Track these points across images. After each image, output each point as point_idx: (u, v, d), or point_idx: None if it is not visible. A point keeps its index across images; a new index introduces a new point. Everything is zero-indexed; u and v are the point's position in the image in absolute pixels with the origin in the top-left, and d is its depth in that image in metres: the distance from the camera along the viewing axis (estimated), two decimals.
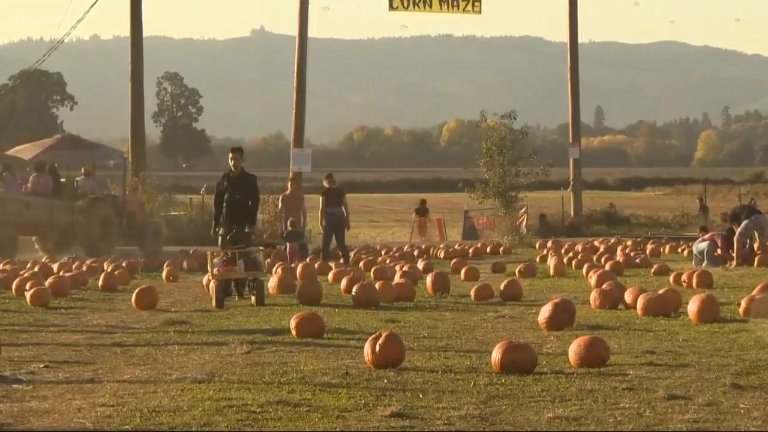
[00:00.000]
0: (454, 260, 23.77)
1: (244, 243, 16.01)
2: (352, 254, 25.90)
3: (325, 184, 25.45)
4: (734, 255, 23.29)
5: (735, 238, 23.42)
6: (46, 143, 32.52)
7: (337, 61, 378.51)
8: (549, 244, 31.32)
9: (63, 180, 30.72)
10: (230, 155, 16.30)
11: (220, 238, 16.17)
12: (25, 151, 31.68)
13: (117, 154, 36.45)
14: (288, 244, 25.94)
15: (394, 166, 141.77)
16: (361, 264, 23.00)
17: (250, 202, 16.29)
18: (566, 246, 29.88)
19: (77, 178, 30.97)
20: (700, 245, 24.15)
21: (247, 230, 16.13)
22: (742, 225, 23.44)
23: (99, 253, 26.87)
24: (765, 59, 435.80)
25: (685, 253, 27.32)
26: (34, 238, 29.72)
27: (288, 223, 26.44)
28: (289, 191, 28.21)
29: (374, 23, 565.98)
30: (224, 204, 16.16)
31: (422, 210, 45.08)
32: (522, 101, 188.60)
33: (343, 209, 24.99)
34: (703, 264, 22.78)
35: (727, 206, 26.67)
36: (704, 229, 28.69)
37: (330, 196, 24.99)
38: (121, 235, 30.22)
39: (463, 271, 20.13)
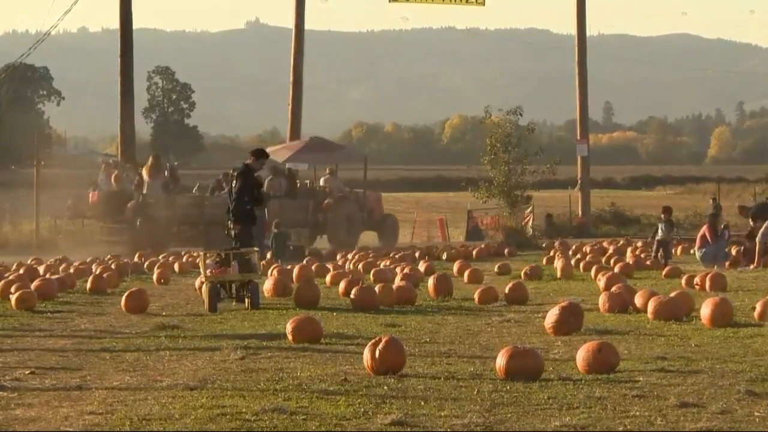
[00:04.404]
0: (457, 262, 23.52)
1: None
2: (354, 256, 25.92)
3: None
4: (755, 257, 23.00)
5: (757, 239, 23.14)
6: (296, 145, 36.88)
7: (336, 55, 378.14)
8: (556, 245, 31.30)
9: (308, 182, 35.08)
10: (262, 159, 17.12)
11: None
12: (279, 152, 35.52)
13: (359, 156, 41.68)
14: None
15: (395, 163, 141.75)
16: (360, 266, 22.76)
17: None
18: (574, 247, 29.93)
19: (323, 178, 34.90)
20: (704, 251, 23.89)
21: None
22: (765, 225, 23.04)
23: (345, 247, 29.73)
24: None
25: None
26: None
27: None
28: None
29: (374, 15, 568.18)
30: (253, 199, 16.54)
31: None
32: (528, 96, 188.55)
33: (265, 211, 26.11)
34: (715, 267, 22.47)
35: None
36: (668, 210, 28.20)
37: None
38: (364, 229, 34.65)
39: (466, 274, 20.00)
